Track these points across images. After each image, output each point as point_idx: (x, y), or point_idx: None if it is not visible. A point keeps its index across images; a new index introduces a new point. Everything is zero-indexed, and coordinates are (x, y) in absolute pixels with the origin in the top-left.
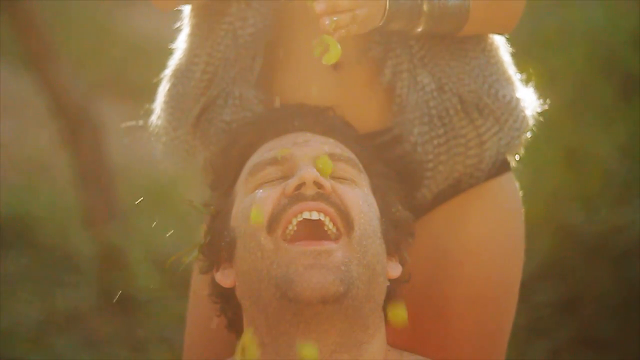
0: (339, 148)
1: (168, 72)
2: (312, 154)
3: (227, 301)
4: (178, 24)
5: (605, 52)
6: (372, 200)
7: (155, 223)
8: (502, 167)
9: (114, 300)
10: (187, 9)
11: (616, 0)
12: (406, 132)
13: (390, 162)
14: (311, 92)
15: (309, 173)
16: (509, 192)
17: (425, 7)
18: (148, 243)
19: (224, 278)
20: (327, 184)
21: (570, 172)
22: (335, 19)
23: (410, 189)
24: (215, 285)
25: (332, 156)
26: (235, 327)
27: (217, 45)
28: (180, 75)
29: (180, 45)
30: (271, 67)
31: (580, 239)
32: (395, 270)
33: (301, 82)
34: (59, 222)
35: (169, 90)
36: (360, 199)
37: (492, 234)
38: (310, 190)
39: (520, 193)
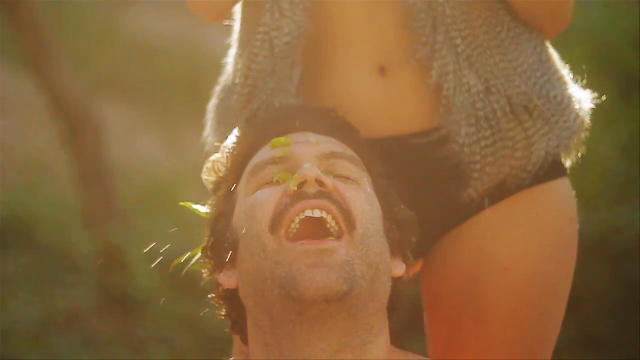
0: (340, 147)
1: (218, 88)
2: (313, 152)
3: (230, 302)
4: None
5: (605, 52)
6: (374, 199)
7: (155, 223)
8: (555, 171)
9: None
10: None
11: (616, 0)
12: (453, 133)
13: (437, 161)
14: (357, 98)
15: (310, 171)
16: (561, 198)
17: None
18: (148, 243)
19: (227, 279)
20: (329, 181)
21: (570, 172)
22: None
23: (456, 189)
24: (218, 287)
25: (333, 155)
26: (239, 328)
27: (254, 57)
28: (227, 90)
29: (229, 60)
30: (313, 76)
31: (580, 239)
32: (399, 269)
33: (346, 88)
34: (59, 222)
35: (216, 106)
36: (362, 197)
37: (541, 241)
38: (312, 189)
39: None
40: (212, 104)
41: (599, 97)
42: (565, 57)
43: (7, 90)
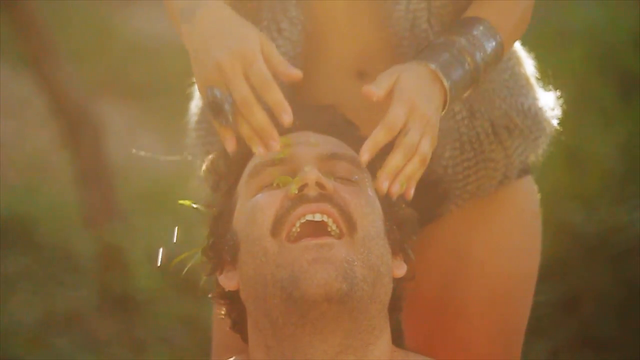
0: (341, 147)
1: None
2: (313, 154)
3: (230, 302)
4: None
5: (605, 51)
6: (375, 200)
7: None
8: (523, 170)
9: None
10: None
11: (616, 0)
12: (437, 155)
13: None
14: (335, 102)
15: (311, 174)
16: (529, 194)
17: (472, 75)
18: (148, 243)
19: (228, 280)
20: (330, 184)
21: (570, 171)
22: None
23: (436, 203)
24: (218, 286)
25: (334, 156)
26: (239, 328)
27: None
28: None
29: None
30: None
31: (580, 239)
32: (400, 269)
33: (326, 91)
34: (59, 222)
35: (201, 110)
36: (363, 200)
37: (513, 234)
38: (313, 192)
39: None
40: (194, 104)
41: (599, 97)
42: (565, 57)
43: (7, 90)
